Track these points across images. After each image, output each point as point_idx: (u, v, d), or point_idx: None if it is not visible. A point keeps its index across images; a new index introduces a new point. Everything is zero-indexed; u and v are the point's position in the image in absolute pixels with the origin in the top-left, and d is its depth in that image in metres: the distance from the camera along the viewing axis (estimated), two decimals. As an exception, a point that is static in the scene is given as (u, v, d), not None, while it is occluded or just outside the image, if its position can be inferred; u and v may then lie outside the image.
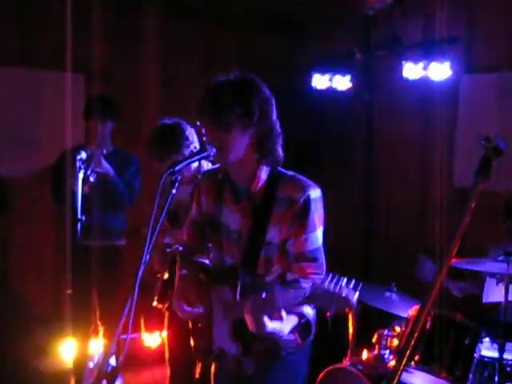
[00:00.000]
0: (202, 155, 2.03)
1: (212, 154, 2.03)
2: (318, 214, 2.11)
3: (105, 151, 4.17)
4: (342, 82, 5.54)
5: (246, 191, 2.15)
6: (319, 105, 5.70)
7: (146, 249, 1.74)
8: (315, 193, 2.11)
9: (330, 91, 5.60)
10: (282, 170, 2.18)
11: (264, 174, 2.12)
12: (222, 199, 2.25)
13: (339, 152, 6.01)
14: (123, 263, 4.31)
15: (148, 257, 1.72)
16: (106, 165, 4.08)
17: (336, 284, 1.73)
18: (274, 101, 2.12)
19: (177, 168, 1.87)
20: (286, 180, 2.12)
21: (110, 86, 5.13)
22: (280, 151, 2.15)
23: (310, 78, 5.55)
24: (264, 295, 1.84)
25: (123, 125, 4.54)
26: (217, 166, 2.33)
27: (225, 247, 2.23)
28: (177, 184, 1.82)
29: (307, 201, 2.08)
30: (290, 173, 2.15)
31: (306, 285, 1.83)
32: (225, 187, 2.24)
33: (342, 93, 5.59)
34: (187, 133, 3.28)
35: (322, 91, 5.59)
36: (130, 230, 4.43)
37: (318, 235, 2.12)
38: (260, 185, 2.11)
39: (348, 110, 5.79)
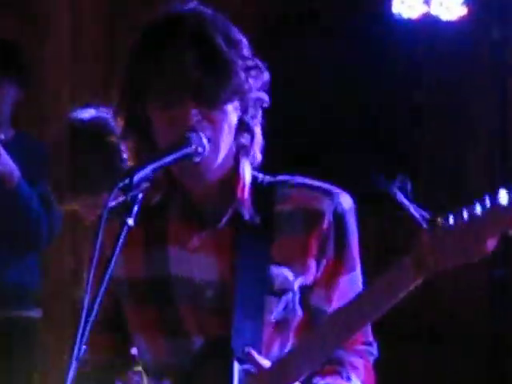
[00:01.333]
0: (184, 151, 1.43)
1: (200, 149, 1.46)
2: (356, 237, 1.59)
3: (2, 136, 3.23)
4: (451, 7, 4.26)
5: (219, 207, 1.54)
6: (405, 48, 4.38)
7: (80, 336, 1.27)
8: (347, 201, 1.57)
9: (428, 22, 4.29)
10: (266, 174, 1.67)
11: (248, 174, 1.57)
12: (162, 237, 1.57)
13: (442, 144, 4.53)
14: (38, 353, 3.38)
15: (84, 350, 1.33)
16: (5, 160, 3.13)
17: None
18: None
19: (136, 178, 1.35)
20: (286, 184, 1.58)
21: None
22: (259, 140, 1.59)
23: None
24: None
25: (31, 99, 3.65)
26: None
27: (187, 322, 1.55)
28: (135, 208, 1.35)
29: (341, 213, 1.55)
30: (287, 176, 1.61)
31: (358, 372, 1.49)
32: (170, 212, 1.58)
33: (449, 25, 4.30)
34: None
35: (411, 22, 4.31)
36: (51, 290, 3.66)
37: (359, 274, 1.59)
38: (246, 191, 1.56)
39: (461, 59, 4.45)
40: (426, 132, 4.48)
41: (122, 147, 1.73)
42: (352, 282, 1.57)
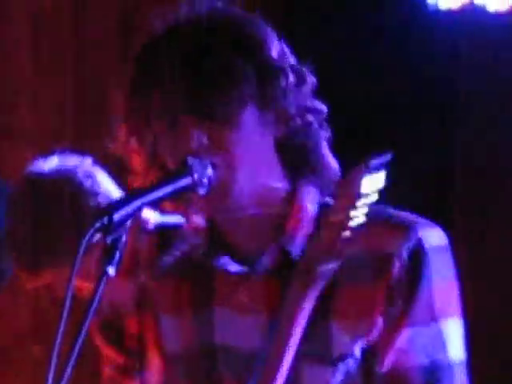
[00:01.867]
0: (180, 183, 1.24)
1: (204, 178, 1.25)
2: (441, 284, 1.32)
3: None
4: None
5: (265, 247, 1.34)
6: (444, 47, 3.66)
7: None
8: (433, 236, 1.33)
9: (471, 14, 3.64)
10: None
11: (310, 203, 1.33)
12: (209, 296, 1.39)
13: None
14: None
15: None
16: None
17: None
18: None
19: (118, 217, 1.15)
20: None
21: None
22: (330, 157, 1.36)
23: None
24: None
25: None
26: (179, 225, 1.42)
27: None
28: (117, 256, 1.14)
29: (420, 252, 1.31)
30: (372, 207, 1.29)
31: None
32: (216, 261, 1.37)
33: (498, 18, 3.62)
34: (98, 191, 2.11)
35: (451, 14, 3.67)
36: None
37: (446, 332, 1.33)
38: (303, 224, 1.33)
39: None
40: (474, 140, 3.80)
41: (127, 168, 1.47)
42: (417, 339, 1.31)
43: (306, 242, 1.30)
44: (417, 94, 3.58)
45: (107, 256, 1.14)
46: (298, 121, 1.32)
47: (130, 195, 1.23)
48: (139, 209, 1.19)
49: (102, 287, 1.13)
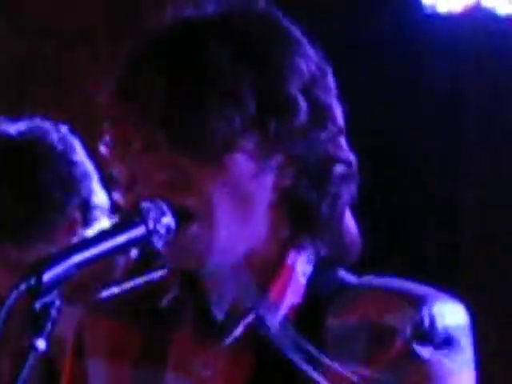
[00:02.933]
0: (130, 234, 1.12)
1: (161, 228, 1.13)
2: (457, 377, 1.17)
3: None
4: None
5: (240, 312, 1.21)
6: (444, 58, 3.28)
7: None
8: (451, 313, 1.17)
9: (477, 18, 3.26)
10: (348, 276, 1.26)
11: (300, 270, 1.21)
12: (161, 355, 1.26)
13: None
14: None
15: None
16: None
17: None
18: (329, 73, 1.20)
19: (48, 278, 1.04)
20: (358, 288, 1.22)
21: None
22: (349, 220, 1.23)
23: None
24: None
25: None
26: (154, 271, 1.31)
27: None
28: (47, 326, 1.03)
29: (430, 330, 1.17)
30: (370, 278, 1.23)
31: None
32: (180, 319, 1.25)
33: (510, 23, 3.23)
34: (76, 162, 1.96)
35: (452, 19, 3.32)
36: None
37: None
38: (290, 295, 1.21)
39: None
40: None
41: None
42: None
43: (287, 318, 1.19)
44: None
45: (35, 326, 1.01)
46: (314, 172, 1.15)
47: (65, 250, 1.09)
48: (77, 267, 1.05)
49: (28, 363, 1.01)
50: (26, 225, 1.92)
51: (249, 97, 1.09)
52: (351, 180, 1.17)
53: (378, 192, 2.94)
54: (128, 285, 1.30)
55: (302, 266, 1.19)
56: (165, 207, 1.09)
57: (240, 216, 1.14)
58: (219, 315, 1.20)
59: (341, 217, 1.18)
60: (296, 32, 1.16)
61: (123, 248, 1.10)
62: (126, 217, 1.12)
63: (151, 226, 1.08)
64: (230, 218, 1.13)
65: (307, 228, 1.18)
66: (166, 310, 1.25)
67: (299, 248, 1.19)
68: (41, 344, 0.97)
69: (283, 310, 1.17)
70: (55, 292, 1.02)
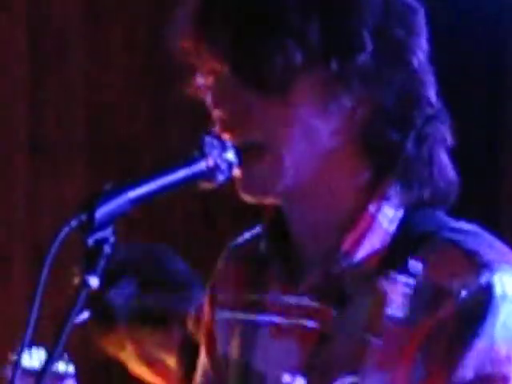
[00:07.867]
0: (186, 169, 1.05)
1: (223, 163, 1.07)
2: (505, 341, 1.06)
3: None
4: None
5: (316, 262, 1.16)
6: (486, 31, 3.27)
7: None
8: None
9: None
10: (445, 219, 1.16)
11: (385, 217, 1.12)
12: (258, 307, 1.23)
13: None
14: None
15: None
16: None
17: None
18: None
19: (100, 214, 0.97)
20: (431, 241, 1.11)
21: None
22: (444, 161, 1.13)
23: None
24: None
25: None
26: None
27: None
28: (100, 263, 0.96)
29: (487, 297, 1.07)
30: (460, 226, 1.13)
31: None
32: (273, 268, 1.22)
33: None
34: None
35: None
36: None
37: None
38: (368, 244, 1.12)
39: None
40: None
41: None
42: None
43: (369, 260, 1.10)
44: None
45: (88, 262, 0.95)
46: (393, 112, 1.05)
47: (120, 185, 1.02)
48: (131, 202, 0.98)
49: (80, 300, 0.95)
50: None
51: (313, 33, 1.03)
52: (437, 119, 1.09)
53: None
54: (247, 235, 1.27)
55: (388, 211, 1.12)
56: (228, 142, 1.05)
57: (307, 152, 1.08)
58: (300, 264, 1.16)
59: (431, 157, 1.09)
60: None
61: (181, 183, 1.03)
62: (189, 153, 1.06)
63: (212, 161, 1.03)
64: (296, 152, 1.07)
65: (391, 170, 1.10)
66: (262, 256, 1.21)
67: (383, 194, 1.11)
68: (93, 281, 0.93)
69: (357, 258, 1.10)
70: (109, 228, 0.96)
